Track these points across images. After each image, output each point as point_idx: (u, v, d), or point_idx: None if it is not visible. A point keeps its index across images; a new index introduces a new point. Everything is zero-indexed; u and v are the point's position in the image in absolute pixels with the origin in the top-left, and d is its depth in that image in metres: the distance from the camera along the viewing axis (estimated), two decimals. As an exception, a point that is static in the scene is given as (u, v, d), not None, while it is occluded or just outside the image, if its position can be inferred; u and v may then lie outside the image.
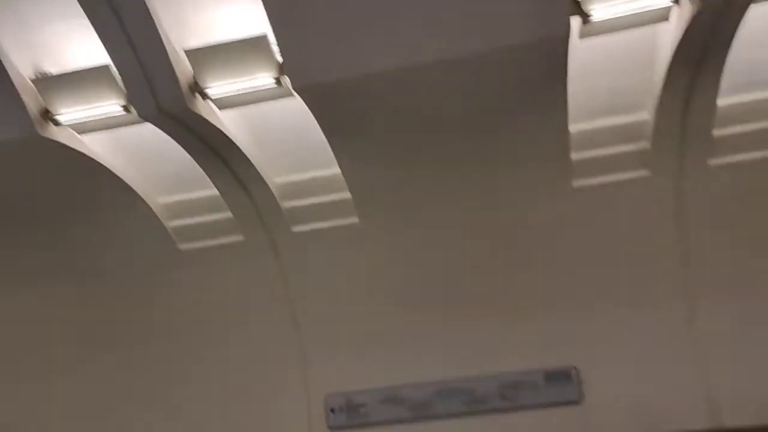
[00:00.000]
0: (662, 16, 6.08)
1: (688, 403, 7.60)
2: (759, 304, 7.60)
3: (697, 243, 7.58)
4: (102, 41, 6.05)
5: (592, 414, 7.83)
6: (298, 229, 7.96)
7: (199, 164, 7.37)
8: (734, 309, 7.63)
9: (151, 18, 5.81)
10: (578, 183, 7.52)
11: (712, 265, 7.59)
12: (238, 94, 6.58)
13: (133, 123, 6.89)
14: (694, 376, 7.67)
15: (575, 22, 5.95)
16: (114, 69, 6.38)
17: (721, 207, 7.48)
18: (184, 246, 8.19)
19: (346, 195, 7.70)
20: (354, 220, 7.86)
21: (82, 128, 6.96)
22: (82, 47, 6.48)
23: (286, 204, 7.86)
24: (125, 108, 6.63)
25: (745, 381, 7.48)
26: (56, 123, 6.77)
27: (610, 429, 7.73)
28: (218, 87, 6.47)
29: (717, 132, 7.06)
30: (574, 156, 7.33)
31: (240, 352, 8.48)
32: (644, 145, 7.27)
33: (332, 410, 8.36)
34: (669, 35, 6.23)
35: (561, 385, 7.95)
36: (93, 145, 7.20)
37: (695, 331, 7.73)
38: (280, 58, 6.22)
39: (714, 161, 7.25)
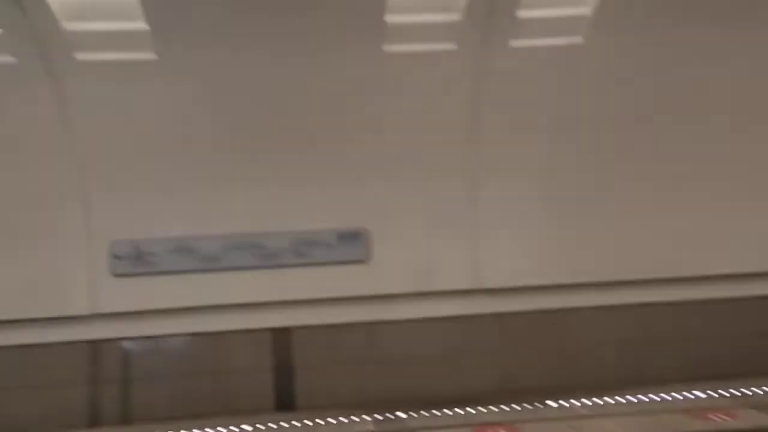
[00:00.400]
0: None
1: (459, 267, 8.37)
2: (534, 185, 8.40)
3: (489, 122, 8.07)
4: None
5: (377, 272, 8.34)
6: (82, 57, 7.08)
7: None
8: (513, 186, 8.37)
9: None
10: (389, 48, 7.49)
11: (499, 143, 8.16)
12: None
13: None
14: (468, 244, 8.42)
15: None
16: None
17: (516, 89, 7.96)
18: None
19: (143, 25, 6.94)
20: (150, 55, 7.16)
21: None
22: None
23: (69, 26, 6.89)
24: None
25: (508, 251, 8.39)
26: None
27: (391, 286, 8.31)
28: None
29: (522, 13, 7.33)
30: (389, 18, 7.24)
31: (9, 193, 7.65)
32: (455, 17, 7.36)
33: (117, 257, 7.98)
34: None
35: (351, 245, 8.31)
36: None
37: (475, 204, 8.41)
38: None
39: (516, 43, 7.59)
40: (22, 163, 7.63)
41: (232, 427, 6.87)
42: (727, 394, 6.97)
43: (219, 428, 6.90)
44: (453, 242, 8.42)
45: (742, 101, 8.13)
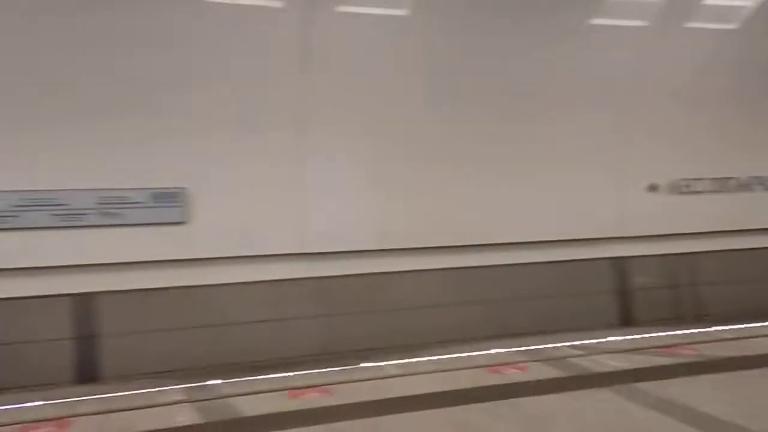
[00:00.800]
0: None
1: (283, 231, 8.27)
2: (362, 153, 8.49)
3: (317, 82, 7.96)
4: None
5: (196, 235, 7.98)
6: None
7: None
8: (341, 153, 8.39)
9: None
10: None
11: (326, 104, 8.11)
12: None
13: None
14: (293, 208, 8.33)
15: None
16: None
17: (344, 54, 7.91)
18: None
19: None
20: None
21: None
22: None
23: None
24: None
25: (333, 216, 8.44)
26: None
27: (211, 250, 8.00)
28: None
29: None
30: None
31: None
32: (282, -27, 7.12)
33: None
34: None
35: (167, 205, 7.85)
36: None
37: (302, 168, 8.32)
38: None
39: (343, 8, 7.52)
40: None
41: (27, 403, 6.23)
42: (521, 350, 7.63)
43: (11, 405, 6.23)
44: (278, 205, 8.29)
45: (545, 88, 8.82)
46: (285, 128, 8.10)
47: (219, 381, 6.85)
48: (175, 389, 6.55)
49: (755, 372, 6.05)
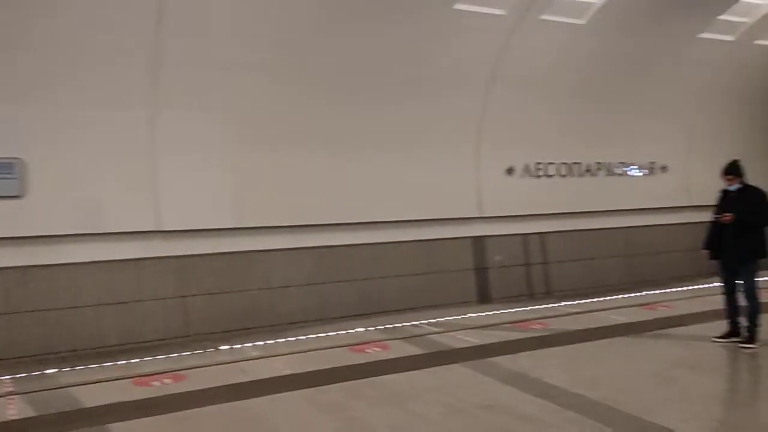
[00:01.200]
0: None
1: (134, 208, 7.71)
2: (217, 127, 8.10)
3: (169, 48, 7.44)
4: None
5: (33, 210, 7.22)
6: None
7: None
8: (195, 126, 7.94)
9: None
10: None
11: (182, 79, 7.64)
12: None
13: None
14: (146, 184, 7.78)
15: None
16: None
17: (198, 22, 7.49)
18: None
19: None
20: None
21: None
22: None
23: None
24: None
25: (188, 193, 7.97)
26: None
27: (52, 226, 7.28)
28: None
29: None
30: None
31: None
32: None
33: None
34: None
35: (2, 176, 7.03)
36: None
37: (154, 142, 7.78)
38: None
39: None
40: None
41: None
42: (384, 328, 7.69)
43: None
44: (129, 181, 7.71)
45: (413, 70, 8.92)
46: (140, 103, 7.58)
47: (55, 370, 6.25)
48: (2, 380, 5.89)
49: (597, 343, 6.50)
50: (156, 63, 7.48)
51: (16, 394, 5.40)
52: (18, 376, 6.05)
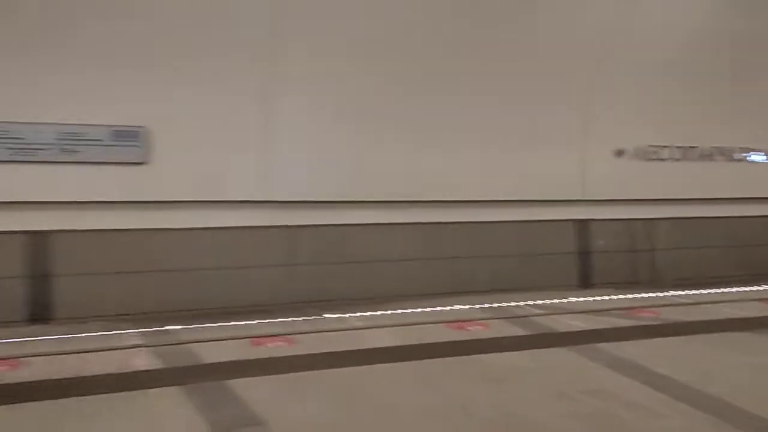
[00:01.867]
0: None
1: (246, 177, 8.05)
2: (329, 102, 8.26)
3: (288, 33, 7.67)
4: None
5: (156, 176, 7.70)
6: None
7: None
8: (307, 100, 8.14)
9: None
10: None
11: (297, 54, 7.85)
12: None
13: None
14: (258, 155, 8.10)
15: None
16: None
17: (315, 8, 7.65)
18: None
19: None
20: None
21: None
22: None
23: None
24: None
25: (299, 165, 8.25)
26: None
27: (172, 193, 7.75)
28: None
29: None
30: None
31: None
32: None
33: None
34: None
35: (128, 144, 7.54)
36: None
37: (267, 110, 8.07)
38: None
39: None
40: None
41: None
42: (484, 307, 7.70)
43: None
44: (242, 151, 8.05)
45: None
46: (254, 76, 7.85)
47: (178, 327, 6.72)
48: (131, 333, 6.40)
49: (710, 336, 6.23)
50: (273, 36, 7.72)
51: (143, 346, 5.86)
52: (143, 330, 6.54)
